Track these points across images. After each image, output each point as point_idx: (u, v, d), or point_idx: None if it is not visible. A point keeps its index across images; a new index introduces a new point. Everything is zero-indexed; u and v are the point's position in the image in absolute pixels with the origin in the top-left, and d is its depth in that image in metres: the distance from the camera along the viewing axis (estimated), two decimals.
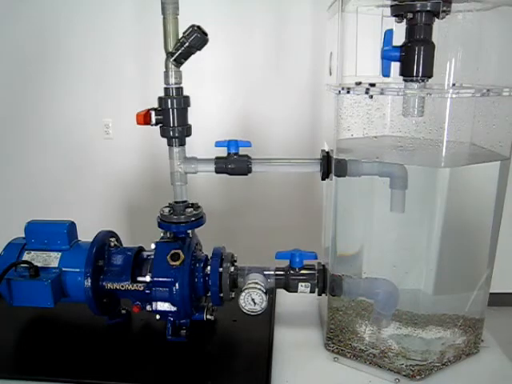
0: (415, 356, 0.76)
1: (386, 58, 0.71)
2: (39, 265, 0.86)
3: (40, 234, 0.89)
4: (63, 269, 0.87)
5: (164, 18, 0.80)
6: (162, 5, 0.79)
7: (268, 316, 0.93)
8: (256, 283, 0.82)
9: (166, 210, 0.89)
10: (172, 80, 0.82)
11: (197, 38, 0.79)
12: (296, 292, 0.86)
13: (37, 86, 2.21)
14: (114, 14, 2.10)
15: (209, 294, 0.87)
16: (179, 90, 0.83)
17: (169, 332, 0.86)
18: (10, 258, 0.87)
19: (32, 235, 0.90)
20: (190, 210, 0.88)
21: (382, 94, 0.72)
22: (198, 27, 0.80)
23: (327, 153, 0.83)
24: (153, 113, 0.83)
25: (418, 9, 0.68)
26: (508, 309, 2.24)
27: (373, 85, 0.73)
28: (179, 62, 0.81)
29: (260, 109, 2.19)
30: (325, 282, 0.85)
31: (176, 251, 0.83)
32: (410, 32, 0.71)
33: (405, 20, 0.71)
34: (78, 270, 0.86)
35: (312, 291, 0.86)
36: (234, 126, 2.20)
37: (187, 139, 0.86)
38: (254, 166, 0.85)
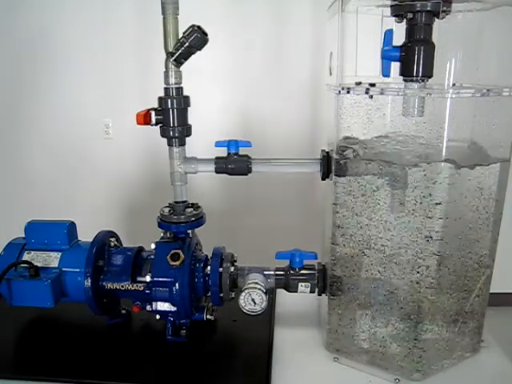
0: (415, 356, 0.76)
1: (386, 58, 0.71)
2: (39, 265, 0.86)
3: (40, 233, 0.90)
4: (63, 269, 0.87)
5: (164, 18, 0.80)
6: (162, 5, 0.79)
7: (268, 316, 0.93)
8: (256, 283, 0.82)
9: (166, 209, 0.89)
10: (172, 80, 0.82)
11: (197, 38, 0.79)
12: (296, 292, 0.86)
13: (36, 86, 2.21)
14: (114, 14, 2.10)
15: (209, 294, 0.87)
16: (179, 90, 0.83)
17: (169, 332, 0.86)
18: (10, 258, 0.87)
19: (32, 235, 0.90)
20: (190, 209, 0.88)
21: (382, 93, 0.72)
22: (198, 27, 0.80)
23: (327, 153, 0.83)
24: (153, 113, 0.83)
25: (418, 9, 0.68)
26: (508, 309, 2.24)
27: (373, 85, 0.73)
28: (179, 62, 0.81)
29: (260, 109, 2.19)
30: (325, 282, 0.85)
31: (176, 251, 0.83)
32: (409, 32, 0.71)
33: (405, 20, 0.71)
34: (77, 270, 0.86)
35: (312, 291, 0.86)
36: (234, 126, 2.20)
37: (187, 139, 0.86)
38: (254, 165, 0.85)
